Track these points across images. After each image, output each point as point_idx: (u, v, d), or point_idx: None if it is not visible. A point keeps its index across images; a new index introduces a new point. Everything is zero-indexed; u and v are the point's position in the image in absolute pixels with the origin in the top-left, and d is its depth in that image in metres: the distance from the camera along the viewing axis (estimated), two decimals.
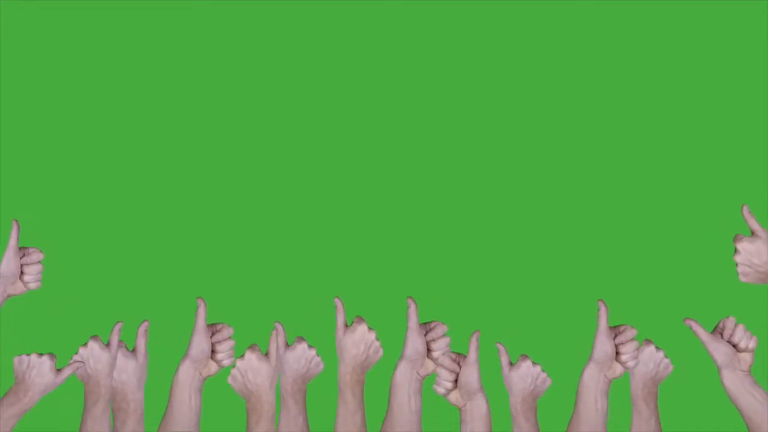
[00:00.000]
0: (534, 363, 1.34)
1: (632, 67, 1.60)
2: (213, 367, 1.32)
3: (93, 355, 1.31)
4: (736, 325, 1.31)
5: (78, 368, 1.30)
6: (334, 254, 1.56)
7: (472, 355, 1.28)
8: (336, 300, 1.33)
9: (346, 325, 1.34)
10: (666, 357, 1.38)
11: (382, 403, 1.38)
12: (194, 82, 1.59)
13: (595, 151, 1.59)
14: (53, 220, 1.54)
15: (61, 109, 1.57)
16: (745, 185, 1.57)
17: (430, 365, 1.31)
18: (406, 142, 1.59)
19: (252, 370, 1.32)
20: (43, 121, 1.57)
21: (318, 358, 1.33)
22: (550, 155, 1.59)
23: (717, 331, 1.33)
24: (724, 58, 1.59)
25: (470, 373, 1.28)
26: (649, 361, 1.36)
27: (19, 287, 1.31)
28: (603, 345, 1.27)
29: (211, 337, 1.32)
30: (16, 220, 1.31)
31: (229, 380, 1.34)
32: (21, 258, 1.31)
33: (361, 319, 1.34)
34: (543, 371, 1.34)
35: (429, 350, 1.31)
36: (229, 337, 1.32)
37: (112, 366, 1.32)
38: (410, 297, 1.31)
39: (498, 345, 1.35)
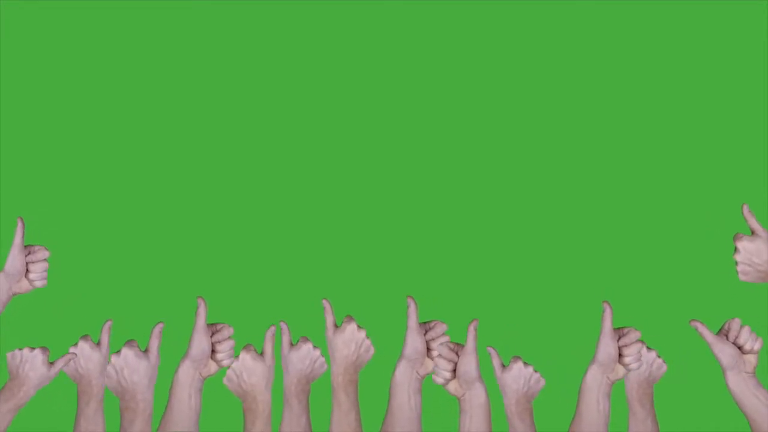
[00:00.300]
0: (526, 364, 1.34)
1: (632, 67, 1.59)
2: (213, 366, 1.32)
3: (83, 354, 1.31)
4: (741, 327, 1.31)
5: (71, 360, 1.30)
6: (333, 254, 1.56)
7: (470, 343, 1.28)
8: (324, 301, 1.34)
9: (336, 326, 1.34)
10: (659, 357, 1.37)
11: (379, 402, 1.37)
12: (194, 82, 1.60)
13: (596, 151, 1.58)
14: (55, 218, 1.56)
15: (62, 110, 1.58)
16: (746, 185, 1.56)
17: (429, 364, 1.31)
18: (406, 142, 1.59)
19: (247, 371, 1.33)
20: (47, 121, 1.58)
21: (322, 359, 1.33)
22: (551, 156, 1.58)
23: (722, 332, 1.32)
24: (724, 58, 1.58)
25: (468, 362, 1.28)
26: (642, 362, 1.36)
27: (24, 285, 1.32)
28: (607, 347, 1.27)
29: (211, 336, 1.32)
30: (21, 218, 1.31)
31: (225, 381, 1.34)
32: (26, 256, 1.31)
33: (350, 319, 1.34)
34: (536, 371, 1.34)
35: (429, 349, 1.31)
36: (229, 337, 1.32)
37: (104, 365, 1.32)
38: (410, 296, 1.31)
39: (489, 349, 1.34)
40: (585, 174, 1.58)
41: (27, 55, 1.59)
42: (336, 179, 1.59)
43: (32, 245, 1.33)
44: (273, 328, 1.34)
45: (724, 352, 1.28)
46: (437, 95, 1.60)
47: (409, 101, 1.60)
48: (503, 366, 1.34)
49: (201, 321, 1.30)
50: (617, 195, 1.57)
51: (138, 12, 1.61)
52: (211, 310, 1.50)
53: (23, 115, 1.58)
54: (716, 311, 1.42)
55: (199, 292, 1.46)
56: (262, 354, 1.33)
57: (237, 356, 1.34)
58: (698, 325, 1.29)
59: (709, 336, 1.29)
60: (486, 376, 1.31)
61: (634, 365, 1.27)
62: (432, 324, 1.32)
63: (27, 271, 1.31)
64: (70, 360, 1.30)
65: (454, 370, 1.30)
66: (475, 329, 1.28)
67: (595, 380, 1.28)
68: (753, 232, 1.31)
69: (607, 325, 1.26)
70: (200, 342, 1.30)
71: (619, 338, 1.28)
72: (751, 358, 1.29)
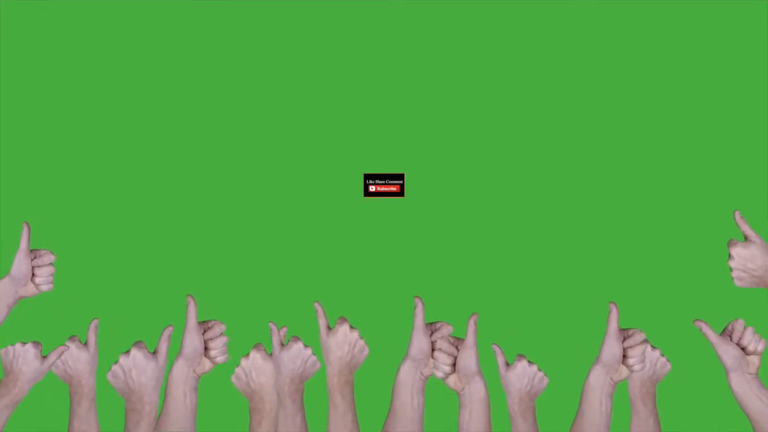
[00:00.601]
0: (530, 362, 1.34)
1: (632, 67, 1.59)
2: (207, 364, 1.31)
3: (71, 355, 1.31)
4: (745, 328, 1.31)
5: (64, 352, 1.30)
6: (333, 254, 1.56)
7: (470, 338, 1.28)
8: (315, 304, 1.33)
9: (329, 328, 1.33)
10: (662, 356, 1.37)
11: (379, 402, 1.37)
12: (194, 83, 1.59)
13: (598, 153, 1.58)
14: (52, 220, 1.55)
15: (64, 110, 1.58)
16: (746, 185, 1.56)
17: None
18: (406, 142, 1.59)
19: (256, 370, 1.33)
20: (51, 123, 1.58)
21: (314, 358, 1.33)
22: (553, 158, 1.58)
23: (726, 333, 1.32)
24: (724, 58, 1.57)
25: (468, 356, 1.28)
26: (646, 360, 1.36)
27: (30, 289, 1.32)
28: (612, 348, 1.27)
29: (203, 334, 1.32)
30: (27, 223, 1.31)
31: (233, 380, 1.34)
32: (32, 260, 1.32)
33: (343, 320, 1.33)
34: (540, 370, 1.34)
35: (433, 350, 1.30)
36: (222, 334, 1.32)
37: (93, 364, 1.32)
38: (417, 296, 1.31)
39: (494, 346, 1.34)
40: (592, 173, 1.58)
41: (28, 58, 1.59)
42: (334, 179, 1.59)
43: (38, 249, 1.33)
44: (285, 328, 1.35)
45: (727, 352, 1.28)
46: (439, 94, 1.60)
47: (409, 101, 1.60)
48: (507, 364, 1.34)
49: (192, 319, 1.29)
50: (623, 195, 1.57)
51: (138, 12, 1.60)
52: (208, 311, 1.49)
53: (27, 117, 1.58)
54: (720, 312, 1.42)
55: (196, 294, 1.46)
56: (272, 354, 1.33)
57: (242, 356, 1.34)
58: (702, 325, 1.29)
59: (712, 336, 1.29)
60: (486, 372, 1.31)
61: (637, 367, 1.27)
62: (438, 325, 1.32)
63: (33, 275, 1.32)
64: (63, 353, 1.29)
65: (454, 365, 1.30)
66: (475, 323, 1.27)
67: (598, 380, 1.28)
68: (746, 238, 1.32)
69: (613, 326, 1.26)
70: (192, 340, 1.29)
71: (624, 339, 1.28)
72: (755, 360, 1.29)
